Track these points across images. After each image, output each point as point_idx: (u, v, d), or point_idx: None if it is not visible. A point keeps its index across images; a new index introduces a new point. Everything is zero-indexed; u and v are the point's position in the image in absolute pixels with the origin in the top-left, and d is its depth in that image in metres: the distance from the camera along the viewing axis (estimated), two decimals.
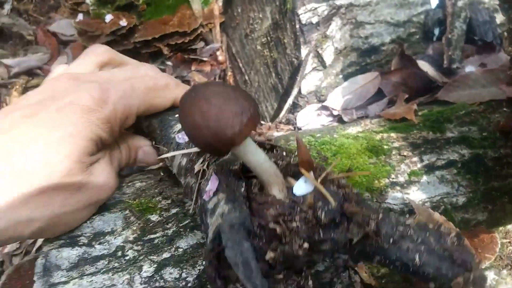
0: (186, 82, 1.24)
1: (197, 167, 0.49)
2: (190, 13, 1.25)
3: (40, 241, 1.12)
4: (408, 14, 0.97)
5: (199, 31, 1.26)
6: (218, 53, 1.29)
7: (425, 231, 0.39)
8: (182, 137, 0.57)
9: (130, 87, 0.55)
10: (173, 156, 0.57)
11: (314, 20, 0.85)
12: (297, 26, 0.86)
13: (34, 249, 1.12)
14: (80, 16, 1.16)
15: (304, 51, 0.86)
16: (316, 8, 0.86)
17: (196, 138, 0.36)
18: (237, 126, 0.35)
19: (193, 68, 1.26)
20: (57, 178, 0.46)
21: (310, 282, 0.43)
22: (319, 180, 0.40)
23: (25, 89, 1.30)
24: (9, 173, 0.44)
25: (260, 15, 1.03)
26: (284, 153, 0.48)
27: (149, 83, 0.58)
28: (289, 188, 0.41)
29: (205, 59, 1.29)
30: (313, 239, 0.38)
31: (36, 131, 0.47)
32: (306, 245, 0.37)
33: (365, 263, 0.45)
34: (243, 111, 0.35)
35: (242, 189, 0.41)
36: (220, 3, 1.27)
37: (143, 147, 0.62)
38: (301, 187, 0.40)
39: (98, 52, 0.62)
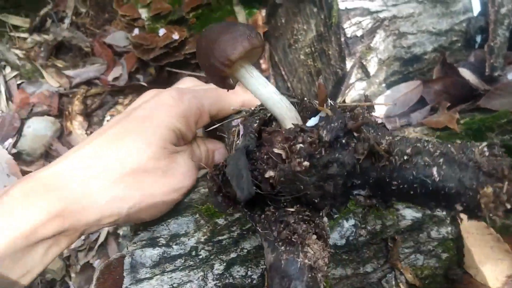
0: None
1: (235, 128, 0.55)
2: None
3: (101, 239, 1.24)
4: (450, 22, 0.99)
5: None
6: (261, 61, 1.36)
7: (447, 144, 0.34)
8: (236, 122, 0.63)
9: (202, 91, 0.65)
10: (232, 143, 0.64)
11: (359, 33, 0.90)
12: (342, 39, 0.91)
13: (96, 246, 1.25)
14: (136, 31, 1.26)
15: (349, 63, 0.91)
16: (360, 22, 0.91)
17: (204, 64, 0.40)
18: (234, 46, 0.38)
19: None
20: (145, 161, 0.54)
21: (325, 219, 0.42)
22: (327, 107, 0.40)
23: (85, 98, 1.42)
24: (109, 158, 0.53)
25: (305, 27, 1.09)
26: (308, 102, 0.47)
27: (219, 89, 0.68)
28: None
29: None
30: (314, 158, 0.37)
31: (129, 126, 0.57)
32: (306, 163, 0.36)
33: (386, 204, 0.39)
34: (241, 35, 0.38)
35: (255, 125, 0.44)
36: (264, 14, 1.34)
37: (219, 149, 0.70)
38: (315, 120, 0.41)
39: (187, 81, 0.74)
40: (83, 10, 1.64)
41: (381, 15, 0.92)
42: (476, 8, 1.02)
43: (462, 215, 0.32)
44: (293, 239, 0.39)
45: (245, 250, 0.62)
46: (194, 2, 1.26)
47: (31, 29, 1.60)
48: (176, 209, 0.67)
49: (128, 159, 0.53)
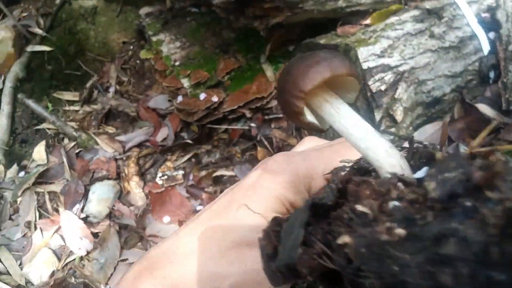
0: (269, 139, 1.46)
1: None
2: (265, 79, 1.47)
3: None
4: (464, 64, 1.11)
5: (273, 93, 1.48)
6: None
7: None
8: None
9: (316, 151, 0.56)
10: None
11: (383, 87, 1.03)
12: (369, 94, 1.04)
13: None
14: (180, 98, 1.42)
15: (377, 114, 1.03)
16: (383, 77, 1.03)
17: (279, 102, 0.36)
18: (308, 74, 0.32)
19: (272, 125, 1.48)
20: (248, 233, 0.48)
21: None
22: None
23: (138, 159, 1.59)
24: (211, 229, 0.49)
25: None
26: (422, 146, 0.36)
27: (338, 145, 0.59)
28: None
29: (280, 116, 1.50)
30: (416, 225, 0.24)
31: (233, 197, 0.53)
32: (400, 230, 0.24)
33: None
34: (320, 61, 0.33)
35: (342, 173, 0.36)
36: None
37: None
38: (427, 171, 0.29)
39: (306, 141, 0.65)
40: (125, 79, 1.84)
41: (401, 69, 1.04)
42: (486, 48, 1.14)
43: None
44: None
45: None
46: (228, 67, 1.42)
47: (81, 101, 1.81)
48: None
49: (231, 231, 0.50)
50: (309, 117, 0.35)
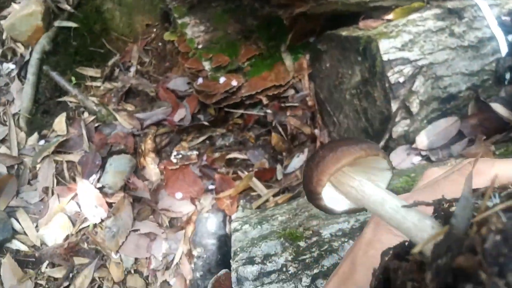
0: (284, 126, 1.50)
1: None
2: (284, 68, 1.51)
3: (177, 259, 1.42)
4: (481, 64, 1.14)
5: (290, 82, 1.52)
6: (307, 99, 1.53)
7: None
8: None
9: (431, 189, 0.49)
10: None
11: (401, 79, 1.06)
12: (387, 85, 1.07)
13: (173, 265, 1.43)
14: (200, 80, 1.47)
15: (394, 104, 1.07)
16: (402, 70, 1.07)
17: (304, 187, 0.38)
18: (315, 171, 0.34)
19: (288, 113, 1.52)
20: None
21: None
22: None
23: (155, 137, 1.64)
24: None
25: (349, 72, 1.26)
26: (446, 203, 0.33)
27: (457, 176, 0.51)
28: None
29: (296, 104, 1.54)
30: None
31: (356, 257, 0.49)
32: None
33: None
34: (325, 154, 0.34)
35: (387, 257, 0.31)
36: (308, 58, 1.52)
37: None
38: None
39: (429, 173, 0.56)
40: (146, 60, 1.89)
41: (420, 63, 1.08)
42: (504, 49, 1.17)
43: None
44: None
45: (325, 267, 0.77)
46: (249, 53, 1.46)
47: (103, 78, 1.86)
48: (263, 234, 0.83)
49: None
50: (327, 202, 0.37)
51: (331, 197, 0.38)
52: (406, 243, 0.31)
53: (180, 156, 1.61)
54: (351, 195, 0.35)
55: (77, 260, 1.43)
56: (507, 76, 1.15)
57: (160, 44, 1.88)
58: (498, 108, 1.10)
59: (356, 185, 0.34)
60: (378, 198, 0.32)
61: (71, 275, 1.41)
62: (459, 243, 0.22)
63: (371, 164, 0.38)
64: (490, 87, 1.16)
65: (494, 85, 1.16)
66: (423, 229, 0.27)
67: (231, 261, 0.80)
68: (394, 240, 0.44)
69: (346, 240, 0.78)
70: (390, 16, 1.23)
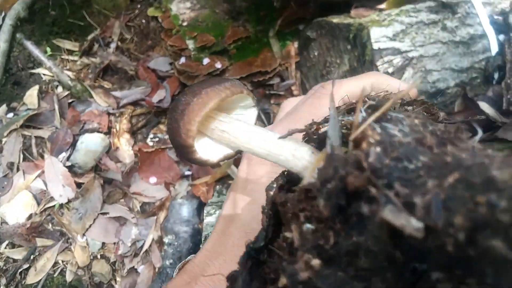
0: (267, 114, 1.45)
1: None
2: (271, 54, 1.46)
3: (147, 245, 1.36)
4: (471, 61, 1.11)
5: (277, 70, 1.47)
6: (293, 88, 1.49)
7: None
8: None
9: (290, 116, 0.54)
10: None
11: (390, 70, 1.03)
12: None
13: (142, 252, 1.36)
14: (183, 59, 1.40)
15: None
16: (392, 60, 1.03)
17: (172, 142, 0.34)
18: (188, 112, 0.31)
19: (272, 101, 1.47)
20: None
21: None
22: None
23: (131, 117, 1.56)
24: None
25: (338, 61, 1.21)
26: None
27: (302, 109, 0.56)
28: None
29: (281, 93, 1.49)
30: (323, 251, 0.22)
31: (237, 196, 0.51)
32: (315, 262, 0.21)
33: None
34: (189, 100, 0.31)
35: (271, 191, 0.29)
36: (296, 46, 1.48)
37: None
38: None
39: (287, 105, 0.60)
40: (128, 37, 1.80)
41: (410, 55, 1.04)
42: (494, 48, 1.14)
43: None
44: None
45: None
46: (236, 35, 1.40)
47: (80, 52, 1.76)
48: None
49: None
50: (201, 152, 0.33)
51: (202, 146, 0.34)
52: (285, 173, 0.30)
53: (157, 139, 1.55)
54: (224, 140, 0.32)
55: (40, 242, 1.35)
56: (496, 75, 1.14)
57: (143, 21, 1.79)
58: (485, 107, 1.07)
59: (226, 128, 0.32)
60: (251, 136, 0.30)
61: (32, 257, 1.33)
62: (343, 163, 0.21)
63: (235, 104, 0.36)
64: (478, 85, 1.14)
65: (482, 84, 1.14)
66: (301, 157, 0.27)
67: (201, 245, 0.75)
68: (269, 168, 0.47)
69: None
70: (383, 6, 1.20)
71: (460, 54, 1.10)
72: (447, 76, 1.09)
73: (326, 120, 0.29)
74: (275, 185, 0.29)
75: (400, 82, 0.52)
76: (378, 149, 0.21)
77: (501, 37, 1.15)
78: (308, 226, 0.23)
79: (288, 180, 0.29)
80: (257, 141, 0.30)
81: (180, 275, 0.47)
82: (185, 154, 0.33)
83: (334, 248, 0.21)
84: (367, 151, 0.21)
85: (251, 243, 0.28)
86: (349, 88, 0.49)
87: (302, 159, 0.27)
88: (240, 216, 0.47)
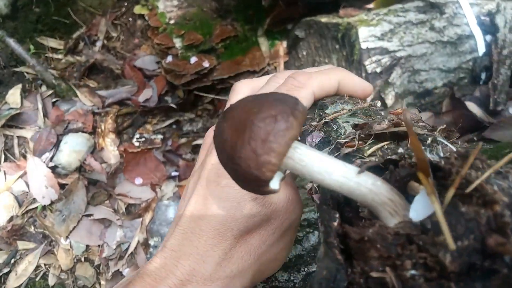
0: None
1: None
2: (260, 54, 1.44)
3: (132, 248, 1.33)
4: (458, 61, 1.12)
5: (265, 69, 1.45)
6: None
7: None
8: None
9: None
10: None
11: (378, 69, 1.02)
12: (363, 74, 1.03)
13: (127, 255, 1.33)
14: (170, 58, 1.38)
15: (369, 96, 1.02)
16: (380, 60, 1.02)
17: (229, 166, 0.30)
18: (273, 136, 0.26)
19: None
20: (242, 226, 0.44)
21: None
22: (445, 199, 0.24)
23: (117, 117, 1.53)
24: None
25: (326, 60, 1.21)
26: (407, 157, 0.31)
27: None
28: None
29: None
30: None
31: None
32: None
33: None
34: (275, 110, 0.27)
35: (335, 223, 0.29)
36: (285, 45, 1.46)
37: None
38: (420, 207, 0.26)
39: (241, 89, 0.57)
40: (114, 35, 1.77)
41: (398, 54, 1.04)
42: (481, 49, 1.15)
43: None
44: None
45: (287, 259, 0.71)
46: (224, 34, 1.38)
47: (65, 50, 1.72)
48: None
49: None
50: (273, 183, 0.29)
51: None
52: (336, 200, 0.31)
53: (143, 139, 1.52)
54: (298, 170, 0.28)
55: (21, 245, 1.31)
56: (483, 76, 1.14)
57: (130, 19, 1.76)
58: (473, 107, 1.08)
59: (293, 154, 0.28)
60: (324, 168, 0.28)
61: (13, 260, 1.29)
62: (474, 223, 0.22)
63: None
64: (465, 85, 1.14)
65: (469, 84, 1.15)
66: (379, 192, 0.27)
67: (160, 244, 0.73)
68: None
69: (311, 230, 0.72)
70: (371, 6, 1.19)
71: (448, 54, 1.11)
72: (435, 76, 1.09)
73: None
74: (332, 214, 0.29)
75: (362, 81, 0.52)
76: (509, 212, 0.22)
77: (488, 37, 1.16)
78: (413, 273, 0.23)
79: (347, 211, 0.30)
80: (336, 176, 0.28)
81: (140, 277, 0.42)
82: (256, 187, 0.29)
83: None
84: (501, 213, 0.21)
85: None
86: (320, 83, 0.48)
87: (381, 194, 0.27)
88: (213, 213, 0.44)
